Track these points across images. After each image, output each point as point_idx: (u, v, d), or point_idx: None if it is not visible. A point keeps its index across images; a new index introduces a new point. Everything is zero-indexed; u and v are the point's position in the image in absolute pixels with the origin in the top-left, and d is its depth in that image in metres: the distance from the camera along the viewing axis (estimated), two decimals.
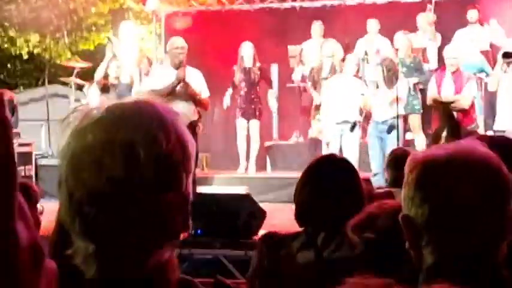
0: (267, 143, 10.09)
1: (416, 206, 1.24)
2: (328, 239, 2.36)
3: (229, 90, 9.09)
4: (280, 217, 6.29)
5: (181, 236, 1.07)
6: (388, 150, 7.53)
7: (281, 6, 10.77)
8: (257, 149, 9.24)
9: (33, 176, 9.01)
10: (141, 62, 10.16)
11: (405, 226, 1.27)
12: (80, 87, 10.82)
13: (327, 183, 2.40)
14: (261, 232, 5.32)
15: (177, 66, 6.83)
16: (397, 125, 7.45)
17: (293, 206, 2.51)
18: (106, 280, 1.01)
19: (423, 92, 8.71)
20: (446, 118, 6.57)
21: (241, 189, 7.58)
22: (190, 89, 6.76)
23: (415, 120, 8.18)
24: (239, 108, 9.13)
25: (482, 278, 1.23)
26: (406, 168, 1.30)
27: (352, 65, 8.13)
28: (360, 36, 10.14)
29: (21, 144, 8.64)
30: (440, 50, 9.27)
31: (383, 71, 7.81)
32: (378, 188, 4.16)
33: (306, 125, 9.80)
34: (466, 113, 7.69)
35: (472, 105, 7.80)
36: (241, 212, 5.36)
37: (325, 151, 7.94)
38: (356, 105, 7.90)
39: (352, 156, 7.19)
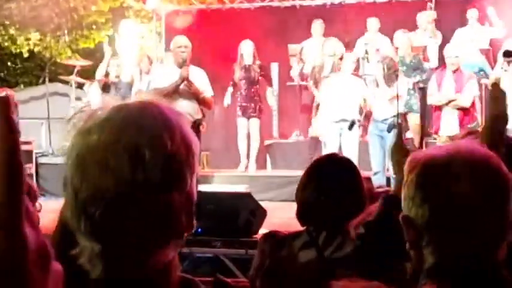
0: (267, 142, 10.09)
1: (417, 206, 1.25)
2: (329, 238, 2.37)
3: (230, 89, 9.10)
4: (281, 215, 6.29)
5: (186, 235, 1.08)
6: (388, 149, 7.55)
7: (281, 4, 10.76)
8: (257, 147, 9.24)
9: (34, 174, 9.01)
10: (141, 61, 10.16)
11: (405, 226, 1.28)
12: (80, 86, 10.83)
13: (329, 182, 2.41)
14: (262, 231, 5.32)
15: (181, 65, 6.82)
16: (397, 124, 7.44)
17: (293, 205, 2.52)
18: (111, 280, 1.02)
19: (423, 90, 8.70)
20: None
21: (241, 188, 7.58)
22: (194, 87, 6.76)
23: (414, 120, 8.18)
24: (239, 107, 9.13)
25: (483, 278, 1.23)
26: (406, 169, 1.31)
27: (349, 64, 8.12)
28: (360, 35, 10.14)
29: (21, 143, 8.62)
30: (440, 48, 9.27)
31: (383, 69, 7.81)
32: (378, 187, 4.17)
33: (306, 123, 9.81)
34: (467, 111, 7.68)
35: (473, 104, 7.80)
36: (242, 211, 5.36)
37: (324, 150, 7.94)
38: (354, 103, 7.89)
39: (351, 154, 7.19)
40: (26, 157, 8.73)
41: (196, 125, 6.49)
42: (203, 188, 7.32)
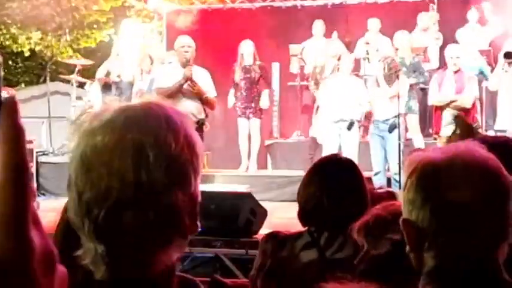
0: (268, 142, 10.09)
1: (417, 209, 1.25)
2: (331, 238, 2.37)
3: (232, 90, 9.10)
4: (281, 215, 6.30)
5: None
6: (390, 149, 7.56)
7: (283, 4, 10.78)
8: (258, 147, 9.24)
9: (34, 173, 9.01)
10: (142, 60, 10.16)
11: (406, 230, 1.27)
12: (81, 85, 10.83)
13: (331, 183, 2.41)
14: (262, 231, 5.32)
15: (184, 65, 6.82)
16: (398, 124, 7.44)
17: (294, 205, 2.52)
18: (115, 281, 1.02)
19: (424, 91, 8.71)
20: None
21: (242, 188, 7.58)
22: (197, 87, 6.76)
23: (413, 121, 8.17)
24: (240, 107, 9.14)
25: (483, 279, 1.23)
26: (406, 172, 1.30)
27: (348, 64, 8.11)
28: (361, 35, 10.14)
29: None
30: (441, 49, 9.27)
31: (384, 68, 7.80)
32: (379, 188, 4.17)
33: (307, 123, 9.81)
34: (468, 112, 7.68)
35: (474, 105, 7.80)
36: (242, 211, 5.36)
37: (324, 150, 7.94)
38: (354, 104, 7.89)
39: (351, 155, 7.19)
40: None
41: (199, 125, 6.50)
42: (204, 187, 7.30)
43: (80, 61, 11.25)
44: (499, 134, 7.77)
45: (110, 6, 14.38)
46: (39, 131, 10.51)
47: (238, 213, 5.34)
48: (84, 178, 1.00)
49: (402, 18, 9.87)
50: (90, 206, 1.00)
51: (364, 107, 7.91)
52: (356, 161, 2.68)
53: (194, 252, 5.28)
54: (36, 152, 9.36)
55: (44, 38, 14.72)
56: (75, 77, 10.45)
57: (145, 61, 10.13)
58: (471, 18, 9.65)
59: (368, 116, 8.07)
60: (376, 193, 2.96)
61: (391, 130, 7.51)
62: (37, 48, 14.93)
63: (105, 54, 10.61)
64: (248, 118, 9.07)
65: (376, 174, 7.59)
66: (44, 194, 9.02)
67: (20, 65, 16.37)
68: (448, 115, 7.61)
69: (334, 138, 7.91)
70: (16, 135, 0.68)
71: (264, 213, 5.49)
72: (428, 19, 9.85)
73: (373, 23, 10.07)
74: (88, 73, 10.94)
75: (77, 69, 10.52)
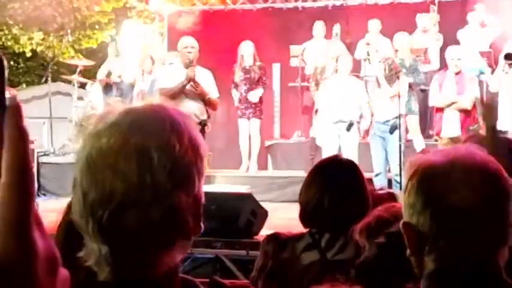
0: (269, 142, 10.10)
1: (418, 213, 1.25)
2: (332, 240, 2.37)
3: (234, 91, 9.10)
4: (282, 216, 6.30)
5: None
6: (390, 150, 7.56)
7: (284, 6, 10.78)
8: (258, 147, 9.25)
9: (35, 173, 9.02)
10: (144, 61, 10.17)
11: (406, 233, 1.27)
12: (82, 85, 10.85)
13: (332, 184, 2.41)
14: (263, 232, 5.32)
15: (187, 66, 6.81)
16: (399, 125, 7.44)
17: (295, 205, 2.52)
18: (119, 282, 1.03)
19: (424, 93, 8.71)
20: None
21: (243, 188, 7.59)
22: (200, 88, 6.74)
23: (413, 122, 8.17)
24: (240, 108, 9.14)
25: (483, 282, 1.23)
26: (406, 175, 1.30)
27: (345, 65, 8.11)
28: (362, 37, 10.15)
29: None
30: (442, 50, 9.27)
31: (385, 69, 7.81)
32: (379, 189, 4.17)
33: (307, 124, 9.81)
34: (469, 113, 7.68)
35: (474, 106, 7.79)
36: (243, 211, 5.36)
37: (324, 151, 7.94)
38: (353, 104, 7.89)
39: (351, 156, 7.18)
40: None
41: (201, 126, 6.50)
42: (204, 188, 7.32)
43: (81, 62, 11.27)
44: (500, 135, 7.77)
45: (112, 7, 14.40)
46: (41, 132, 10.52)
47: (238, 214, 5.34)
48: (89, 180, 1.01)
49: (403, 19, 9.87)
50: (94, 207, 1.01)
51: (363, 109, 7.91)
52: (356, 162, 2.68)
53: (195, 253, 5.28)
54: (37, 153, 9.36)
55: (46, 39, 14.74)
56: (76, 78, 10.46)
57: (147, 62, 10.14)
58: (472, 20, 9.65)
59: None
60: (377, 194, 2.96)
61: (392, 131, 7.51)
62: (39, 49, 14.94)
63: (107, 55, 10.62)
64: (248, 119, 9.08)
65: (376, 175, 7.60)
66: (44, 195, 9.03)
67: (22, 65, 16.38)
68: (448, 116, 7.61)
69: (334, 139, 7.91)
70: (20, 138, 0.68)
71: (264, 214, 5.49)
72: (428, 20, 9.85)
73: (374, 24, 10.08)
74: (89, 74, 10.95)
75: (78, 69, 10.53)
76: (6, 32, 14.45)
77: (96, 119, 1.05)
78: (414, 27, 9.77)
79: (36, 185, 8.87)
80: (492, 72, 8.81)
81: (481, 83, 8.54)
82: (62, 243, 1.26)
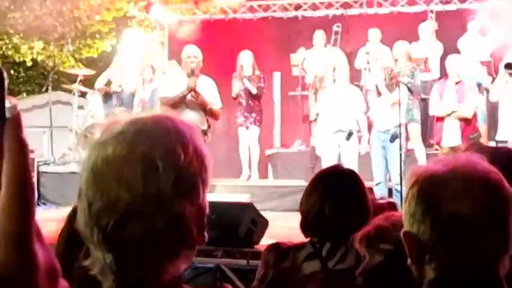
0: (269, 151, 10.10)
1: (418, 222, 1.25)
2: (333, 249, 2.37)
3: (237, 82, 9.06)
4: (282, 225, 6.29)
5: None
6: (391, 159, 7.55)
7: (284, 15, 10.81)
8: (257, 156, 9.25)
9: (35, 183, 9.01)
10: (144, 70, 10.19)
11: (407, 242, 1.27)
12: (83, 95, 10.86)
13: (333, 193, 2.41)
14: (263, 241, 5.31)
15: (189, 75, 6.79)
16: (400, 134, 7.44)
17: (295, 214, 2.52)
18: None
19: (425, 101, 8.71)
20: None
21: (243, 198, 7.58)
22: (201, 98, 6.71)
23: (415, 130, 8.16)
24: (240, 117, 9.15)
25: None
26: (407, 184, 1.30)
27: (343, 74, 8.12)
28: (362, 46, 10.17)
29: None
30: (442, 59, 9.29)
31: (385, 78, 7.81)
32: (380, 199, 4.16)
33: (307, 133, 9.82)
34: (469, 122, 7.67)
35: (475, 115, 7.79)
36: (243, 221, 5.35)
37: (323, 161, 7.94)
38: (352, 114, 7.90)
39: (350, 165, 7.17)
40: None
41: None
42: None
43: (81, 71, 11.28)
44: (500, 144, 7.77)
45: (112, 17, 14.45)
46: (41, 141, 10.53)
47: (239, 223, 5.33)
48: (95, 189, 1.02)
49: (402, 28, 9.89)
50: (99, 216, 1.01)
51: (360, 121, 7.93)
52: (356, 171, 2.68)
53: (195, 262, 5.27)
54: (38, 162, 9.36)
55: (46, 48, 14.78)
56: (77, 87, 10.48)
57: (147, 71, 10.16)
58: (472, 28, 9.67)
59: (369, 126, 8.07)
60: (377, 204, 2.96)
61: (392, 140, 7.50)
62: (39, 58, 14.99)
63: (107, 64, 10.65)
64: (247, 127, 9.10)
65: (377, 184, 7.58)
66: (44, 204, 9.02)
67: (22, 74, 16.43)
68: (449, 125, 7.61)
69: (334, 149, 7.91)
70: (20, 150, 0.69)
71: (265, 223, 5.48)
72: (426, 29, 9.87)
73: (374, 34, 10.11)
74: (90, 83, 10.97)
75: (78, 79, 10.54)
76: (7, 41, 14.50)
77: (102, 129, 1.06)
78: (414, 36, 9.79)
79: (36, 195, 8.88)
80: (492, 82, 8.82)
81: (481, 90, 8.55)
82: (63, 252, 1.26)
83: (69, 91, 11.31)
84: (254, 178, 9.24)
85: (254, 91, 9.00)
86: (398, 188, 7.23)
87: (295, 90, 10.30)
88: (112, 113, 9.50)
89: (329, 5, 10.65)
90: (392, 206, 2.99)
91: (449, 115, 7.68)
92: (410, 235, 1.26)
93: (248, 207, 5.67)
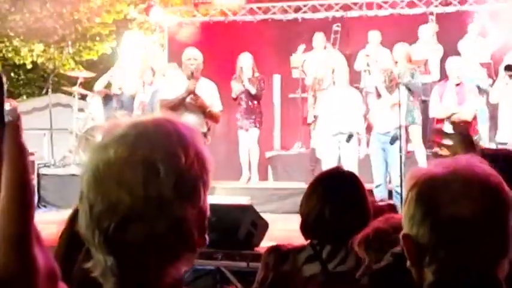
0: (269, 154, 10.10)
1: (417, 225, 1.24)
2: (333, 252, 2.37)
3: (236, 85, 9.07)
4: (282, 227, 6.28)
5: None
6: (391, 161, 7.55)
7: (284, 17, 10.82)
8: (257, 158, 9.25)
9: (35, 185, 9.01)
10: (144, 73, 10.20)
11: (406, 245, 1.27)
12: (83, 97, 10.86)
13: (333, 196, 2.41)
14: (263, 243, 5.31)
15: (189, 77, 6.79)
16: (400, 136, 7.44)
17: (295, 217, 2.52)
18: None
19: (425, 103, 8.71)
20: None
21: (243, 200, 7.57)
22: (200, 101, 6.71)
23: (415, 132, 8.16)
24: (240, 119, 9.16)
25: None
26: (406, 187, 1.30)
27: (342, 76, 8.13)
28: (362, 48, 10.18)
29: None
30: (442, 61, 9.29)
31: (385, 80, 7.82)
32: (380, 201, 4.16)
33: (307, 135, 9.83)
34: (469, 124, 7.67)
35: (475, 117, 7.80)
36: (243, 223, 5.35)
37: (324, 163, 7.95)
38: (352, 116, 7.90)
39: (350, 167, 7.17)
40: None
41: None
42: None
43: (82, 73, 11.28)
44: (500, 146, 7.78)
45: (113, 19, 14.46)
46: (41, 143, 10.52)
47: (239, 226, 5.33)
48: (96, 191, 1.02)
49: (402, 30, 9.90)
50: (100, 219, 1.02)
51: (359, 121, 7.94)
52: (356, 173, 2.68)
53: (195, 265, 5.26)
54: (38, 164, 9.36)
55: (47, 50, 14.79)
56: (77, 89, 10.48)
57: (147, 73, 10.17)
58: (472, 30, 9.68)
59: (368, 128, 8.07)
60: (377, 206, 2.96)
61: (392, 142, 7.50)
62: (39, 61, 14.99)
63: (107, 67, 10.65)
64: (247, 129, 9.10)
65: (377, 186, 7.59)
66: (45, 206, 9.01)
67: (22, 77, 16.43)
68: (449, 127, 7.60)
69: (334, 151, 7.92)
70: (19, 154, 0.69)
71: (265, 225, 5.48)
72: (427, 31, 9.88)
73: (374, 36, 10.11)
74: (90, 85, 10.96)
75: (79, 81, 10.55)
76: (7, 43, 14.51)
77: (103, 132, 1.07)
78: (414, 38, 9.80)
79: (36, 197, 8.89)
80: (492, 84, 8.83)
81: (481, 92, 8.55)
82: (63, 255, 1.26)
83: (70, 93, 11.32)
84: (254, 180, 9.24)
85: (253, 91, 9.00)
86: (399, 190, 7.23)
87: (295, 93, 10.30)
88: (112, 115, 9.51)
89: (329, 7, 10.66)
90: (392, 208, 3.00)
91: (449, 117, 7.68)
92: (409, 237, 1.26)
93: (248, 209, 5.67)
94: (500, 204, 1.23)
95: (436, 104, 7.88)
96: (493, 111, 8.67)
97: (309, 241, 2.45)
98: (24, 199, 0.69)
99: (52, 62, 14.94)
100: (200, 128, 6.73)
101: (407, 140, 8.11)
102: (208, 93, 6.83)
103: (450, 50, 9.36)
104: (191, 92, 6.68)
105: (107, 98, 9.91)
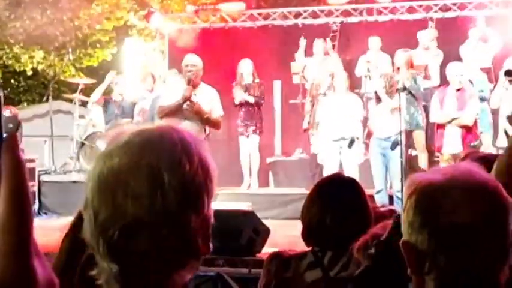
0: (270, 159, 10.10)
1: (417, 232, 1.24)
2: (335, 258, 2.37)
3: (239, 91, 9.08)
4: (284, 233, 6.28)
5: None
6: (392, 167, 7.54)
7: (284, 23, 10.84)
8: (258, 164, 9.26)
9: (36, 192, 9.01)
10: (145, 79, 10.21)
11: (406, 252, 1.27)
12: (83, 104, 10.87)
13: (334, 202, 2.41)
14: (265, 249, 5.30)
15: (188, 84, 6.80)
16: (401, 141, 7.43)
17: (297, 223, 2.52)
18: None
19: (425, 108, 8.72)
20: None
21: (244, 206, 7.57)
22: (197, 107, 6.69)
23: (419, 137, 8.15)
24: (240, 125, 9.16)
25: None
26: (405, 193, 1.30)
27: (342, 82, 8.13)
28: (362, 53, 10.19)
29: (24, 161, 8.65)
30: (441, 67, 9.30)
31: (385, 86, 7.82)
32: (381, 206, 4.16)
33: (308, 141, 9.83)
34: (470, 129, 7.67)
35: (476, 122, 7.79)
36: (245, 229, 5.34)
37: (325, 168, 7.95)
38: (353, 121, 7.91)
39: (352, 173, 7.19)
40: (28, 175, 8.71)
41: None
42: None
43: (82, 80, 11.31)
44: (500, 151, 7.77)
45: (113, 26, 14.48)
46: (42, 150, 10.53)
47: (240, 232, 5.33)
48: (100, 199, 1.03)
49: (402, 36, 9.92)
50: (105, 226, 1.02)
51: (358, 127, 7.94)
52: (357, 179, 2.68)
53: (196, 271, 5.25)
54: (38, 171, 9.36)
55: (47, 57, 14.81)
56: (77, 96, 10.49)
57: (148, 80, 10.18)
58: (473, 35, 9.69)
59: (369, 134, 8.07)
60: (379, 211, 2.96)
61: (393, 147, 7.49)
62: (40, 67, 15.01)
63: (108, 73, 10.64)
64: (248, 136, 9.11)
65: (377, 192, 7.58)
66: (45, 213, 9.00)
67: (23, 84, 16.45)
68: (450, 132, 7.60)
69: (335, 157, 7.92)
70: (17, 168, 0.69)
71: (266, 231, 5.47)
72: (427, 36, 9.90)
73: (374, 42, 10.13)
74: (90, 92, 10.98)
75: (79, 88, 10.56)
76: (8, 50, 14.53)
77: (108, 140, 1.07)
78: (414, 44, 9.81)
79: (37, 203, 8.88)
80: (492, 89, 8.83)
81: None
82: (64, 261, 1.26)
83: (70, 100, 11.33)
84: (254, 186, 9.24)
85: (252, 100, 9.02)
86: (400, 195, 7.23)
87: (296, 98, 10.31)
88: (113, 122, 9.52)
89: (329, 13, 10.69)
90: (393, 214, 2.99)
91: (450, 122, 7.68)
92: (409, 244, 1.26)
93: (250, 215, 5.67)
94: (499, 208, 1.23)
95: (436, 110, 7.87)
96: (493, 116, 8.67)
97: (310, 248, 2.45)
98: (23, 212, 0.69)
99: (52, 69, 14.96)
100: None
101: (409, 145, 8.11)
102: (208, 98, 6.82)
103: (450, 55, 9.37)
104: (187, 99, 6.67)
105: (106, 104, 9.93)
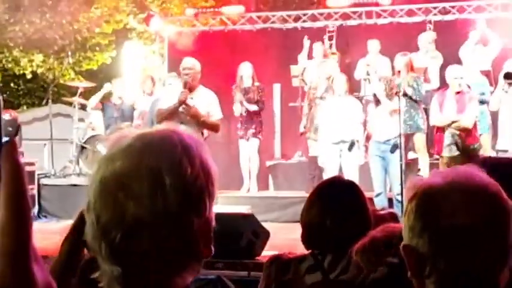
0: (270, 162, 10.11)
1: (417, 236, 1.24)
2: (335, 261, 2.37)
3: (237, 109, 9.10)
4: (283, 236, 6.28)
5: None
6: (391, 170, 7.54)
7: (283, 26, 10.85)
8: (257, 167, 9.26)
9: (36, 195, 9.01)
10: (144, 82, 10.22)
11: (406, 256, 1.27)
12: (83, 107, 10.88)
13: (333, 205, 2.41)
14: (265, 252, 5.30)
15: (184, 87, 6.79)
16: (400, 144, 7.43)
17: (296, 226, 2.52)
18: None
19: (426, 112, 8.72)
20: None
21: (244, 209, 7.57)
22: (193, 110, 6.67)
23: (420, 140, 8.15)
24: (240, 128, 9.17)
25: None
26: (406, 197, 1.30)
27: (340, 85, 8.14)
28: (361, 56, 10.20)
29: (24, 164, 8.65)
30: (441, 69, 9.31)
31: (385, 89, 7.83)
32: (381, 209, 4.15)
33: (306, 144, 9.83)
34: (469, 132, 7.67)
35: (475, 125, 7.79)
36: (245, 232, 5.34)
37: (325, 171, 7.95)
38: (353, 124, 7.91)
39: (352, 175, 7.19)
40: (28, 178, 8.69)
41: None
42: None
43: (82, 83, 11.31)
44: (500, 154, 7.77)
45: (112, 29, 14.49)
46: (41, 153, 10.52)
47: (240, 235, 5.33)
48: (102, 202, 1.03)
49: (402, 39, 9.93)
50: (107, 229, 1.02)
51: (357, 129, 7.95)
52: (357, 182, 2.68)
53: None
54: (38, 174, 9.36)
55: (46, 61, 14.82)
56: (77, 99, 10.50)
57: (147, 83, 10.19)
58: (472, 38, 9.69)
59: (368, 137, 8.07)
60: (379, 214, 2.95)
61: (393, 150, 7.49)
62: (39, 71, 15.02)
63: (107, 77, 10.67)
64: (247, 139, 9.11)
65: (377, 195, 7.57)
66: (45, 217, 9.00)
67: (22, 87, 16.45)
68: (448, 135, 7.60)
69: (335, 159, 7.92)
70: (16, 173, 0.70)
71: (266, 234, 5.47)
72: (426, 39, 9.91)
73: (373, 45, 10.14)
74: (90, 95, 10.99)
75: (79, 91, 10.57)
76: (7, 54, 14.54)
77: (110, 143, 1.08)
78: (413, 46, 9.83)
79: (37, 207, 8.87)
80: (492, 91, 8.83)
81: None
82: (64, 263, 1.26)
83: (70, 104, 11.33)
84: (253, 189, 9.24)
85: (253, 108, 9.03)
86: (399, 198, 7.23)
87: (296, 101, 10.31)
88: (112, 125, 9.52)
89: (328, 16, 10.70)
90: (393, 217, 2.99)
91: (449, 125, 7.67)
92: (409, 248, 1.26)
93: (249, 218, 5.67)
94: (499, 211, 1.23)
95: (436, 113, 7.86)
96: (493, 118, 8.68)
97: (310, 251, 2.45)
98: (22, 217, 0.69)
99: (52, 72, 14.96)
100: None
101: (409, 148, 8.11)
102: (207, 102, 6.80)
103: (449, 58, 9.38)
104: (182, 102, 6.66)
105: (105, 108, 9.94)
